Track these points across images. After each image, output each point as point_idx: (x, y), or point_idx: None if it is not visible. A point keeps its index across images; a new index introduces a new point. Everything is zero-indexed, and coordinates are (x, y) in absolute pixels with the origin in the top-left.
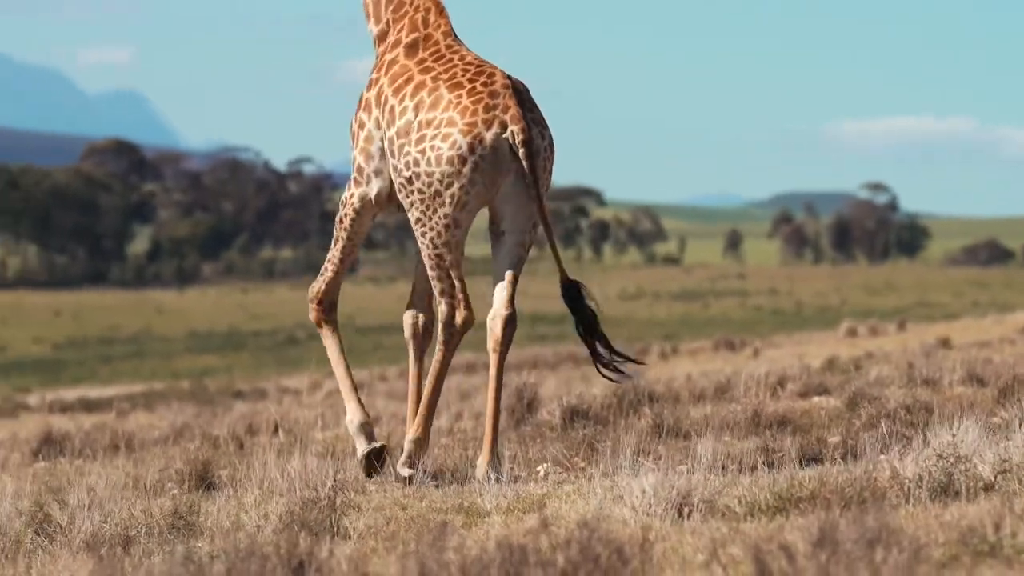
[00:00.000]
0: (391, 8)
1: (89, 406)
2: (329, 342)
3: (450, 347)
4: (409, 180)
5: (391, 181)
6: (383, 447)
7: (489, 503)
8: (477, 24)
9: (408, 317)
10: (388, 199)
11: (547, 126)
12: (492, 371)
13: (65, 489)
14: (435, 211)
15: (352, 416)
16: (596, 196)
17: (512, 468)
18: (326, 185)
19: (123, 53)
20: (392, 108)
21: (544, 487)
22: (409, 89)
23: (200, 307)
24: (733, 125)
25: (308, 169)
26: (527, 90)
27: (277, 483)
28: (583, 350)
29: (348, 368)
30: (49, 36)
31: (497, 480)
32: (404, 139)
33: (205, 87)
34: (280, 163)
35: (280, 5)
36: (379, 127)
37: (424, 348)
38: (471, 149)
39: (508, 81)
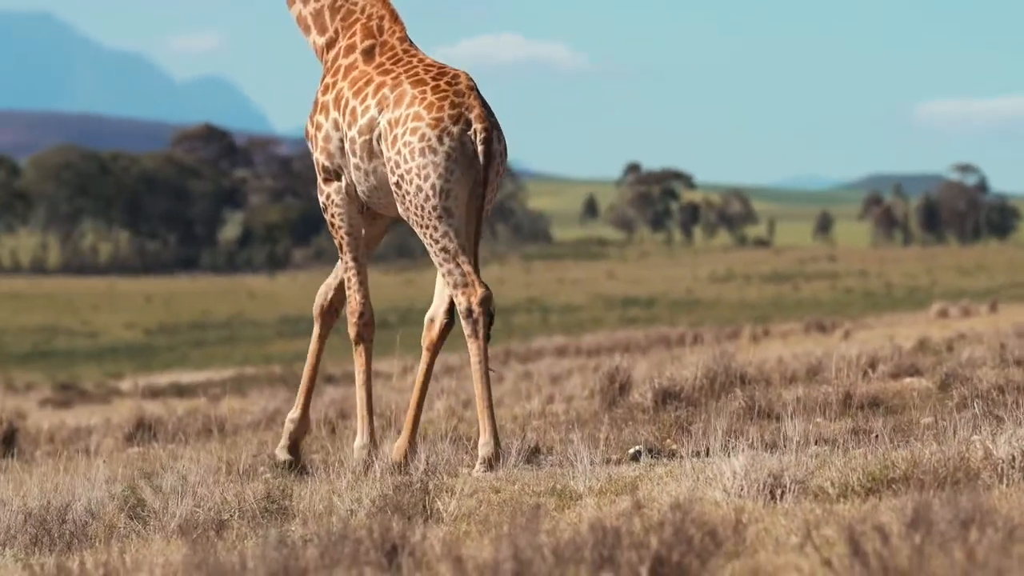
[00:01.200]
0: (339, 17)
1: (181, 391)
2: (359, 361)
3: (479, 335)
4: (397, 184)
5: (352, 178)
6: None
7: (582, 486)
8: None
9: (319, 297)
10: (369, 197)
11: (502, 131)
12: (422, 366)
13: (158, 474)
14: (423, 206)
15: (360, 445)
16: (686, 179)
17: (605, 450)
18: None
19: (211, 39)
20: (354, 109)
21: (636, 469)
22: (370, 90)
23: (291, 292)
24: (823, 107)
25: None
26: (483, 97)
27: (370, 467)
28: (673, 332)
29: (369, 395)
30: (138, 23)
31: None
32: (367, 136)
33: (294, 72)
34: None
35: None
36: (338, 128)
37: (330, 326)
38: (440, 140)
39: (472, 83)
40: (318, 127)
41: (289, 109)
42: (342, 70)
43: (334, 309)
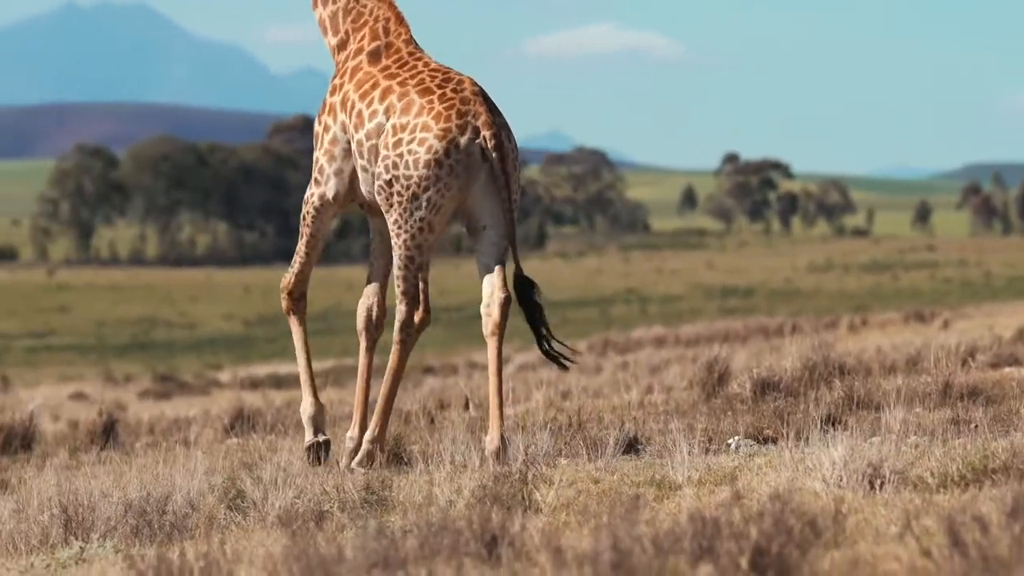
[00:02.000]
0: (350, 19)
1: (280, 382)
2: (295, 330)
3: (407, 347)
4: (388, 184)
5: (350, 181)
6: (327, 441)
7: (681, 476)
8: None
9: (362, 308)
10: (346, 198)
11: (511, 130)
12: (492, 354)
13: (258, 465)
14: (411, 214)
15: (306, 406)
16: (784, 169)
17: (704, 440)
18: None
19: (307, 31)
20: (360, 112)
21: (736, 459)
22: (376, 94)
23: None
24: (921, 96)
25: None
26: (491, 99)
27: (469, 458)
28: (771, 322)
29: (309, 359)
30: (234, 14)
31: (503, 459)
32: (375, 140)
33: None
34: None
35: None
36: (345, 131)
37: (376, 340)
38: (447, 153)
39: (477, 88)
40: (326, 128)
41: None
42: (349, 72)
43: (379, 324)
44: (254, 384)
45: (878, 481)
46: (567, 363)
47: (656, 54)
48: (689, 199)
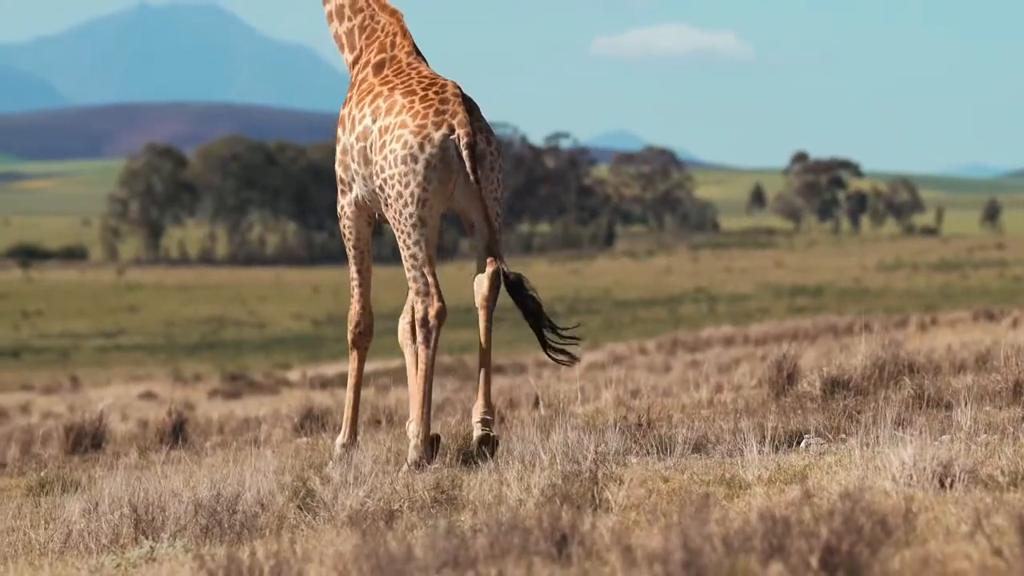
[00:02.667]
0: (364, 36)
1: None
2: (353, 366)
3: (430, 344)
4: (381, 188)
5: (365, 186)
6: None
7: (751, 475)
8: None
9: (403, 323)
10: (370, 202)
11: (493, 133)
12: (482, 324)
13: (327, 464)
14: (401, 212)
15: (341, 441)
16: (854, 168)
17: (774, 439)
18: (583, 160)
19: None
20: (354, 117)
21: (805, 458)
22: (368, 99)
23: (456, 282)
24: (990, 95)
25: (564, 144)
26: (474, 103)
27: (538, 456)
28: (841, 321)
29: (358, 396)
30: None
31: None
32: (363, 143)
33: (459, 63)
34: (537, 139)
35: None
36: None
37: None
38: (421, 147)
39: (458, 91)
40: (337, 139)
41: None
42: (358, 84)
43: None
44: (323, 383)
45: (948, 479)
46: (572, 359)
47: (726, 54)
48: (758, 198)
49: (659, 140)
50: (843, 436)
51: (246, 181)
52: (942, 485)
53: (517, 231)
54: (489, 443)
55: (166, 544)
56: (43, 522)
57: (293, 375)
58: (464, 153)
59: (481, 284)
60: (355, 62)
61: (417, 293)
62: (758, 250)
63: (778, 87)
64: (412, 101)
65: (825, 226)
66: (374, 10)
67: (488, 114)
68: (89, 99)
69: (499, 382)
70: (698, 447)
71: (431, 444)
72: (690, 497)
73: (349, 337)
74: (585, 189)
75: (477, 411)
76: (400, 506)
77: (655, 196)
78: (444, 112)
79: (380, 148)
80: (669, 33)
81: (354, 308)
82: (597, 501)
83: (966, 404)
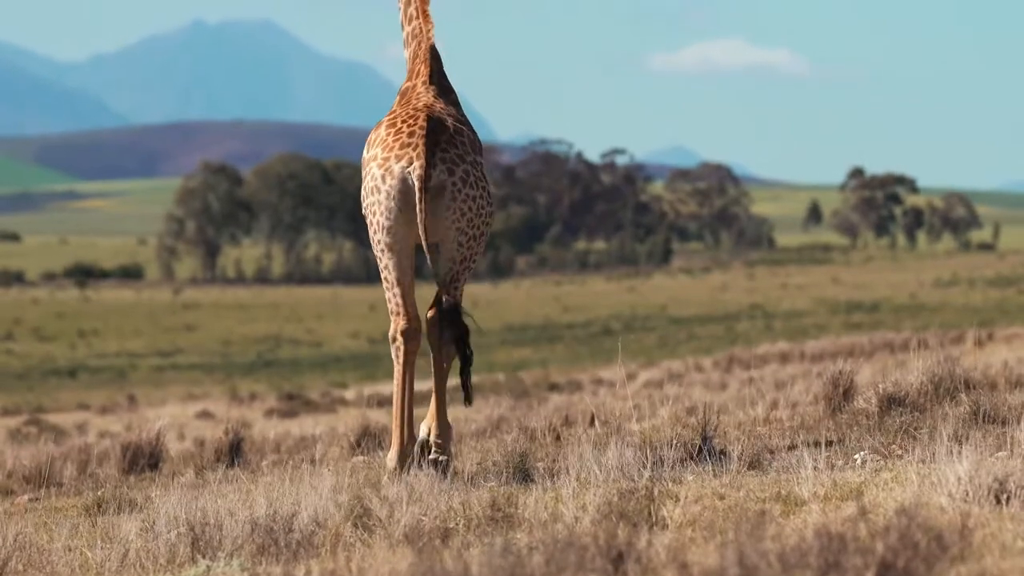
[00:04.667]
0: (412, 62)
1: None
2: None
3: (399, 359)
4: (363, 214)
5: None
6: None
7: (806, 491)
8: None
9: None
10: None
11: (460, 163)
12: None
13: (383, 483)
14: (372, 237)
15: (393, 454)
16: (910, 183)
17: (830, 456)
18: (638, 176)
19: None
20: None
21: (861, 475)
22: (373, 130)
23: (514, 300)
24: None
25: (620, 160)
26: (460, 131)
27: (594, 474)
28: (897, 337)
29: (404, 402)
30: (359, 31)
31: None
32: (360, 175)
33: (517, 81)
34: (593, 155)
35: None
36: None
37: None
38: (383, 179)
39: (426, 124)
40: None
41: (512, 117)
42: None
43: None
44: (380, 402)
45: (1005, 496)
46: (470, 397)
47: (782, 70)
48: (814, 214)
49: (715, 156)
50: (899, 452)
51: (303, 199)
52: (998, 501)
53: (573, 248)
54: (438, 465)
55: (223, 563)
56: (100, 541)
57: (349, 394)
58: (416, 184)
59: (430, 326)
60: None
61: (390, 312)
62: (814, 266)
63: (834, 103)
64: (389, 134)
65: (881, 242)
66: (422, 36)
67: (544, 130)
68: (145, 118)
69: (554, 399)
70: (754, 464)
71: (422, 449)
72: (746, 514)
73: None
74: (641, 206)
75: (431, 432)
76: (456, 524)
77: (711, 212)
78: (408, 145)
79: (363, 177)
80: (725, 49)
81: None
82: (653, 518)
83: (1023, 420)
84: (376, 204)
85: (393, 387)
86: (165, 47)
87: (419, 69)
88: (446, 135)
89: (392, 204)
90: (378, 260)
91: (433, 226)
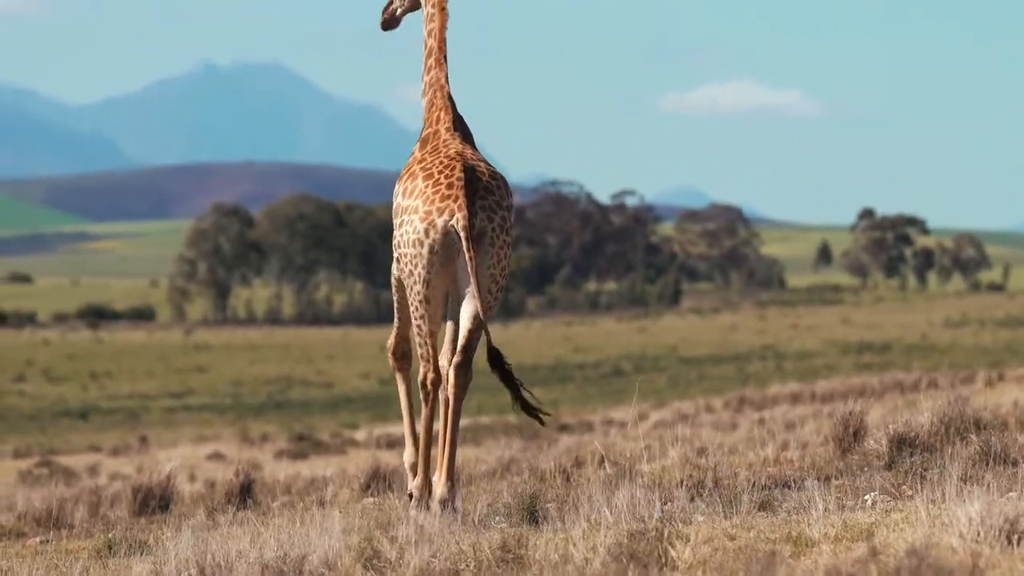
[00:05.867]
0: (428, 110)
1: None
2: (400, 387)
3: (428, 403)
4: (397, 260)
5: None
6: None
7: (817, 532)
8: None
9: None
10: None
11: (500, 209)
12: (450, 411)
13: (394, 524)
14: (411, 288)
15: (408, 455)
16: (920, 224)
17: (840, 496)
18: (649, 217)
19: None
20: (396, 194)
21: (872, 515)
22: (407, 176)
23: (525, 340)
24: None
25: (631, 201)
26: (492, 177)
27: (604, 515)
28: (907, 377)
29: (412, 413)
30: (368, 74)
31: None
32: (395, 221)
33: (528, 122)
34: (603, 196)
35: (598, 38)
36: None
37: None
38: (426, 233)
39: (463, 174)
40: (393, 212)
41: (522, 157)
42: (411, 157)
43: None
44: (390, 443)
45: (1015, 536)
46: (543, 416)
47: (792, 111)
48: (824, 255)
49: (725, 197)
50: (910, 493)
51: (314, 241)
52: (1009, 542)
53: (584, 289)
54: (446, 505)
55: None
56: None
57: (360, 435)
58: (461, 235)
59: (451, 374)
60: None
61: (420, 357)
62: (825, 307)
63: (844, 144)
64: (427, 185)
65: (892, 283)
66: (439, 85)
67: (554, 171)
68: (156, 160)
69: (564, 440)
70: (764, 505)
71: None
72: (756, 555)
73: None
74: (651, 246)
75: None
76: (466, 565)
77: (721, 253)
78: (448, 197)
79: (399, 226)
80: (735, 90)
81: (390, 337)
82: (663, 559)
83: None
84: (418, 257)
85: (421, 429)
86: (176, 90)
87: (439, 116)
88: (483, 183)
89: (435, 258)
90: (413, 309)
91: (467, 272)
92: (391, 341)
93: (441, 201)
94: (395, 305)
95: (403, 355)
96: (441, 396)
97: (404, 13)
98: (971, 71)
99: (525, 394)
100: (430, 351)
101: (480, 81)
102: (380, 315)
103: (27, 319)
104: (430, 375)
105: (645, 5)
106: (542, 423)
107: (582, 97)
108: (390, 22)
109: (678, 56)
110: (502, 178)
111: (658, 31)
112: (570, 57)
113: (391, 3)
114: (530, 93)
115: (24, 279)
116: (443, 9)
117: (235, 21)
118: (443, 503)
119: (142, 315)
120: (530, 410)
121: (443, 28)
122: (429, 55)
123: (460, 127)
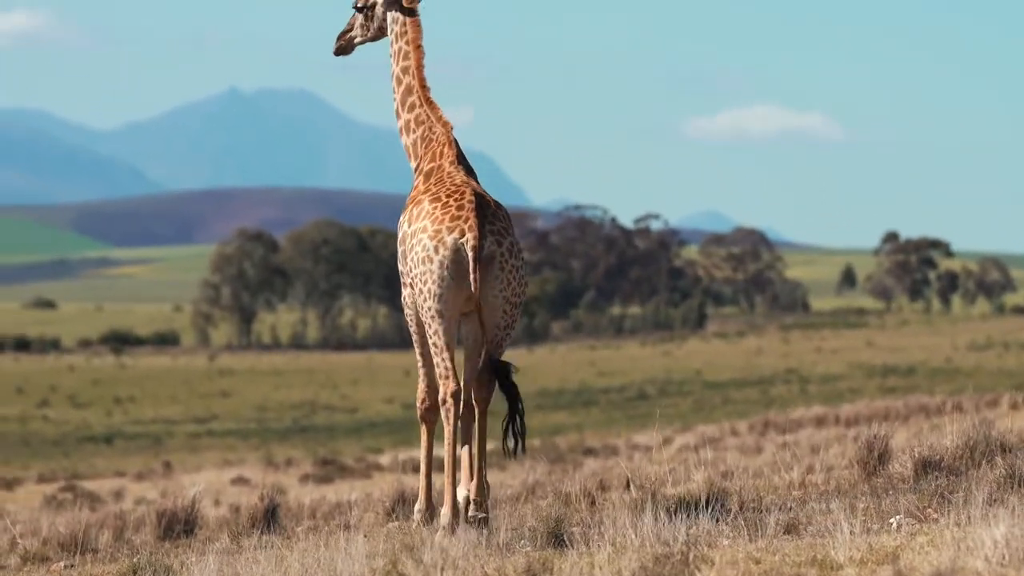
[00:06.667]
0: (424, 145)
1: (440, 465)
2: (423, 440)
3: (450, 419)
4: (411, 284)
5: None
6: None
7: (842, 555)
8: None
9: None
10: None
11: (508, 235)
12: (475, 418)
13: (419, 548)
14: (423, 305)
15: (420, 505)
16: (944, 247)
17: (865, 520)
18: (673, 241)
19: (467, 114)
20: (401, 223)
21: (897, 538)
22: (412, 206)
23: (550, 365)
24: None
25: (655, 225)
26: (498, 206)
27: (630, 538)
28: (932, 401)
29: (430, 466)
30: (392, 98)
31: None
32: (403, 247)
33: (550, 147)
34: (627, 220)
35: (621, 63)
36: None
37: (468, 423)
38: (435, 250)
39: (474, 198)
40: (400, 241)
41: (545, 183)
42: (413, 191)
43: (468, 408)
44: (415, 467)
45: None
46: (520, 448)
47: (816, 134)
48: (848, 278)
49: (749, 221)
50: (935, 516)
51: (337, 265)
52: None
53: (608, 313)
54: (477, 522)
55: None
56: None
57: (384, 459)
58: (469, 255)
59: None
60: (417, 169)
61: (439, 376)
62: (849, 330)
63: (867, 167)
64: (435, 208)
65: (916, 306)
66: (432, 122)
67: (578, 196)
68: (180, 185)
69: (589, 464)
70: (789, 528)
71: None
72: None
73: (418, 413)
74: (676, 270)
75: (473, 490)
76: None
77: (746, 277)
78: (458, 218)
79: (410, 249)
80: (759, 114)
81: (420, 386)
82: None
83: None
84: (428, 273)
85: (446, 443)
86: (200, 115)
87: (442, 151)
88: (491, 209)
89: (444, 273)
90: (426, 326)
91: (482, 294)
92: (422, 392)
93: (451, 221)
94: (418, 351)
95: (434, 406)
96: (461, 422)
97: (363, 43)
98: (994, 94)
99: (517, 420)
100: (448, 364)
101: (504, 106)
102: (403, 340)
103: (51, 345)
104: (451, 387)
105: (668, 30)
106: (514, 454)
107: (606, 122)
108: (346, 49)
109: (702, 81)
110: (506, 211)
111: (681, 56)
112: (594, 82)
113: (349, 31)
114: (554, 118)
115: (48, 305)
116: (419, 47)
117: (259, 47)
118: (469, 508)
119: (166, 340)
120: (514, 434)
121: (420, 66)
122: (408, 92)
123: (463, 162)
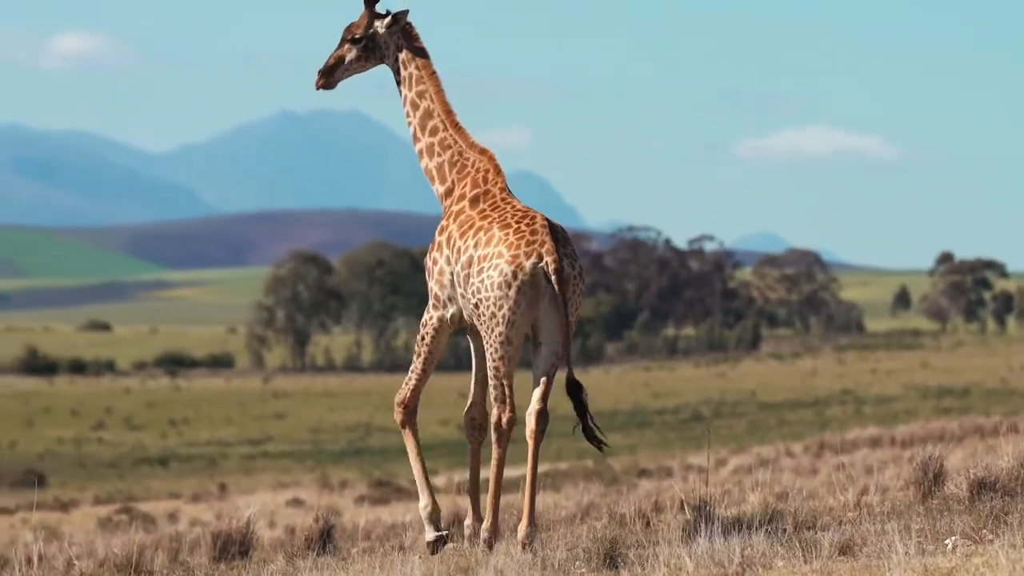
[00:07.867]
0: (455, 170)
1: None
2: (409, 442)
3: (502, 444)
4: (476, 306)
5: (460, 306)
6: (445, 536)
7: None
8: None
9: (467, 415)
10: (460, 319)
11: (577, 258)
12: (529, 455)
13: (473, 569)
14: (493, 330)
15: (424, 504)
16: (999, 268)
17: (920, 541)
18: (727, 262)
19: (522, 136)
20: (459, 248)
21: (952, 560)
22: (471, 232)
23: (604, 386)
24: None
25: (709, 247)
26: (563, 230)
27: (684, 561)
28: (987, 422)
29: (423, 465)
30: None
31: (531, 546)
32: (468, 270)
33: (603, 168)
34: (681, 241)
35: (675, 84)
36: (450, 263)
37: (481, 441)
38: (514, 275)
39: (546, 223)
40: (435, 261)
41: (599, 204)
42: (454, 215)
43: (483, 427)
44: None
45: None
46: (603, 444)
47: (870, 155)
48: (903, 299)
49: (803, 242)
50: (990, 537)
51: (392, 287)
52: None
53: (662, 335)
54: (527, 547)
55: None
56: None
57: (440, 480)
58: (553, 278)
59: (529, 421)
60: (447, 193)
61: (496, 400)
62: (904, 351)
63: (923, 188)
64: (507, 233)
65: (971, 327)
66: (461, 147)
67: (631, 217)
68: (233, 207)
69: (644, 485)
70: (844, 550)
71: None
72: None
73: (398, 416)
74: (730, 291)
75: (521, 529)
76: None
77: (800, 298)
78: (534, 243)
79: (478, 273)
80: (813, 135)
81: (403, 393)
82: None
83: None
84: (505, 299)
85: (492, 471)
86: (254, 136)
87: (487, 176)
88: (560, 232)
89: (522, 299)
90: (492, 351)
91: (550, 316)
92: (405, 395)
93: (527, 246)
94: (421, 358)
95: (414, 410)
96: (494, 445)
97: (350, 76)
98: None
99: (591, 424)
100: (507, 393)
101: (558, 127)
102: (459, 362)
103: (106, 367)
104: (505, 416)
105: (722, 51)
106: (601, 450)
107: (660, 143)
108: (331, 84)
109: (756, 102)
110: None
111: (736, 77)
112: (648, 103)
113: (340, 65)
114: (608, 139)
115: (103, 327)
116: (433, 73)
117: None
118: (524, 546)
119: (220, 362)
120: (591, 436)
121: (440, 92)
122: (428, 116)
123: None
